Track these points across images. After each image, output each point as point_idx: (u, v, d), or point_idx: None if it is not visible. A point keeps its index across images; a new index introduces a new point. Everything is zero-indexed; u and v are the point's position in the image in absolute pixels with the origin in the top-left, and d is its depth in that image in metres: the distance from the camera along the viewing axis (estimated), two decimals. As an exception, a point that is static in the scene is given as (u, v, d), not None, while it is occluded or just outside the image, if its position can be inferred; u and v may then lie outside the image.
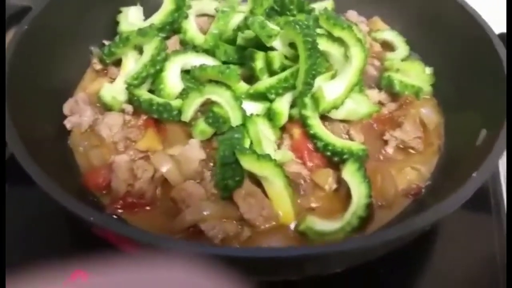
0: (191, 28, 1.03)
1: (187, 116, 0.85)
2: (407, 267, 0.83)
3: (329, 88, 0.85)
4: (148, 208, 0.78)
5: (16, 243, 0.80)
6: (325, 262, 0.61)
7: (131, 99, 0.89)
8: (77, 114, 0.88)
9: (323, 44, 0.88)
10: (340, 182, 0.80)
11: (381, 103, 0.94)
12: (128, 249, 0.63)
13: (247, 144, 0.80)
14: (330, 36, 0.88)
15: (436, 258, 0.86)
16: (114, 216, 0.75)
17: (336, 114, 0.86)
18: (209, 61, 0.93)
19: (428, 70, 0.99)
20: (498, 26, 0.92)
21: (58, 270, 0.32)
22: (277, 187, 0.76)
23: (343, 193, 0.80)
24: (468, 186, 0.66)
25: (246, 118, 0.82)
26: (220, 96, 0.84)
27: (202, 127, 0.84)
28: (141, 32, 0.92)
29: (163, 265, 0.33)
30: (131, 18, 1.06)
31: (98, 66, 1.00)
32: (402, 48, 1.05)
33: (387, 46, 1.08)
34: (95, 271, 0.32)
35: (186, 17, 1.02)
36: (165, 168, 0.78)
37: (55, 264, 0.33)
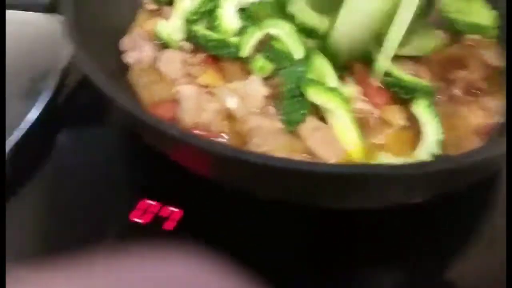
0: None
1: (245, 51, 0.83)
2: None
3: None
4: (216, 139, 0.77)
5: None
6: (409, 183, 0.60)
7: (189, 35, 0.87)
8: (136, 49, 0.87)
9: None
10: (409, 119, 0.78)
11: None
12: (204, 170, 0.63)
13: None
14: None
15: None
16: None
17: (401, 50, 0.83)
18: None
19: (493, 13, 0.95)
20: None
21: (60, 266, 0.31)
22: (344, 121, 0.74)
23: (412, 131, 0.78)
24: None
25: (309, 51, 0.80)
26: (282, 29, 0.81)
27: (262, 63, 0.82)
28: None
29: (169, 260, 0.32)
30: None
31: (151, 6, 0.99)
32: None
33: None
34: (98, 266, 0.31)
35: None
36: (230, 101, 0.77)
37: (56, 262, 0.31)
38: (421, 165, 0.60)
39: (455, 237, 0.77)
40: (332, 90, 0.73)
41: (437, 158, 0.70)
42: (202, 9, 0.85)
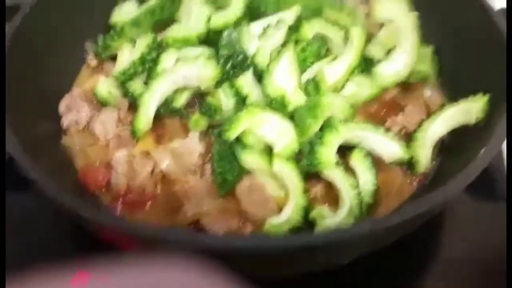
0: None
1: (177, 103, 0.84)
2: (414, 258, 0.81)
3: (330, 71, 0.83)
4: (148, 204, 0.76)
5: (16, 248, 0.78)
6: (335, 251, 0.59)
7: (125, 94, 0.87)
8: (74, 110, 0.86)
9: (323, 28, 0.87)
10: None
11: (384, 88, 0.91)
12: (129, 247, 0.62)
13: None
14: (328, 20, 0.87)
15: (443, 247, 0.84)
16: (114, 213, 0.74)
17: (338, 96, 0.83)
18: (206, 51, 0.90)
19: (429, 49, 0.96)
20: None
21: (60, 272, 0.32)
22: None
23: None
24: (476, 165, 0.64)
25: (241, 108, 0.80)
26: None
27: (196, 118, 0.82)
28: (135, 22, 0.90)
29: (164, 266, 0.33)
30: (125, 11, 1.04)
31: (94, 62, 0.98)
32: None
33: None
34: (97, 272, 0.32)
35: (179, 7, 0.98)
36: (164, 163, 0.77)
37: (57, 266, 0.32)
38: (346, 230, 0.60)
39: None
40: (262, 153, 0.74)
41: (361, 223, 0.69)
42: (132, 71, 0.86)
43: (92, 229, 0.64)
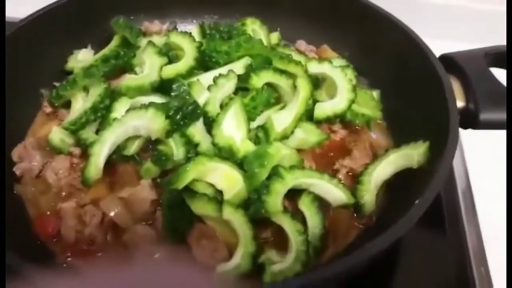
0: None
1: (129, 151, 0.86)
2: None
3: (279, 119, 0.86)
4: (99, 254, 0.76)
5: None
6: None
7: (78, 142, 0.88)
8: (26, 160, 0.86)
9: (272, 77, 0.91)
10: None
11: (332, 131, 0.95)
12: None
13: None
14: (276, 70, 0.91)
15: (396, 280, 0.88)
16: (64, 265, 0.74)
17: (287, 143, 0.86)
18: (158, 99, 0.92)
19: (375, 94, 1.01)
20: (438, 50, 0.96)
21: None
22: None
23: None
24: (412, 213, 0.67)
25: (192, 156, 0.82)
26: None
27: (147, 165, 0.84)
28: (88, 73, 0.92)
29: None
30: (81, 58, 1.06)
31: (49, 109, 0.99)
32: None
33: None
34: None
35: (134, 56, 1.01)
36: (113, 212, 0.77)
37: None
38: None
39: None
40: (212, 200, 0.75)
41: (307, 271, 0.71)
42: (83, 120, 0.87)
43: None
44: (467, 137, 1.12)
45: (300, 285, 0.58)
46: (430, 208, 0.69)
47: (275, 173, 0.78)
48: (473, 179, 1.08)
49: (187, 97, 0.85)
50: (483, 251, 0.94)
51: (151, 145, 0.89)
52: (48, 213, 0.80)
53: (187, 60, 0.95)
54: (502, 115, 0.83)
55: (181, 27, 1.21)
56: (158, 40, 1.07)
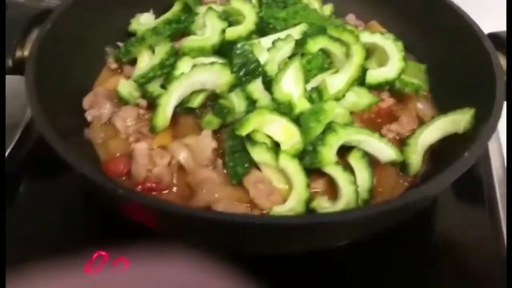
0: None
1: (193, 103, 0.92)
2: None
3: (332, 82, 0.92)
4: (165, 192, 0.83)
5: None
6: (332, 232, 0.67)
7: (144, 94, 0.95)
8: (96, 107, 0.94)
9: (326, 44, 0.96)
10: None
11: (381, 99, 1.00)
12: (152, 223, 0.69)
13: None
14: (331, 37, 0.96)
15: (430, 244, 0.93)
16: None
17: (339, 104, 0.91)
18: (219, 60, 0.98)
19: (422, 66, 1.06)
20: (488, 27, 1.00)
21: (78, 254, 0.34)
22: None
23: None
24: (460, 164, 0.72)
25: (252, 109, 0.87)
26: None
27: (209, 118, 0.90)
28: (156, 31, 0.99)
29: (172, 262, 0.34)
30: (143, 21, 1.13)
31: (114, 65, 1.07)
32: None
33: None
34: (119, 254, 0.34)
35: (193, 22, 1.07)
36: (181, 155, 0.84)
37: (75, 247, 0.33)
38: (340, 214, 0.68)
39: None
40: (270, 149, 0.82)
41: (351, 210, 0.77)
42: (151, 74, 0.93)
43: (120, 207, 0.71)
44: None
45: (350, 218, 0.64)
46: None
47: (329, 127, 0.83)
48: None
49: (250, 55, 0.91)
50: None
51: (209, 102, 0.95)
52: (118, 154, 0.88)
53: (248, 24, 1.01)
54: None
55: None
56: (217, 8, 1.13)
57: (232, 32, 0.99)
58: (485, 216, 0.99)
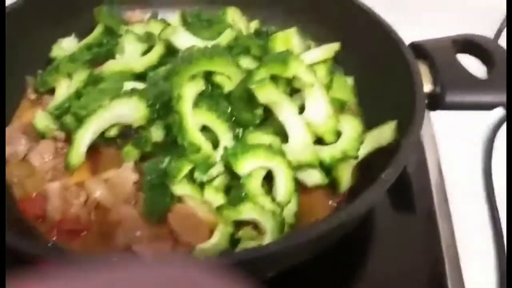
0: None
1: (109, 133, 0.88)
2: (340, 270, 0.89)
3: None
4: (84, 233, 0.80)
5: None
6: (254, 267, 0.65)
7: (61, 127, 0.91)
8: (11, 144, 0.89)
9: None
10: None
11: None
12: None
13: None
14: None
15: (370, 259, 0.92)
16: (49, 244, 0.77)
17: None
18: (140, 85, 0.94)
19: (349, 80, 1.05)
20: (412, 37, 1.00)
21: None
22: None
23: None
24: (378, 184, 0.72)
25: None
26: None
27: (127, 148, 0.87)
28: (72, 57, 0.95)
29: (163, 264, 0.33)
30: (65, 46, 1.09)
31: (33, 96, 1.02)
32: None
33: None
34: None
35: (116, 44, 1.04)
36: (97, 192, 0.81)
37: None
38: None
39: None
40: (194, 183, 0.80)
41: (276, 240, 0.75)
42: (67, 105, 0.89)
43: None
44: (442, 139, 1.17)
45: (272, 251, 0.62)
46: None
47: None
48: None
49: (164, 85, 0.87)
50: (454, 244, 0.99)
51: (133, 131, 0.91)
52: (34, 194, 0.84)
53: (159, 48, 0.98)
54: (465, 98, 0.88)
55: (163, 17, 1.24)
56: (139, 28, 1.10)
57: (142, 61, 0.96)
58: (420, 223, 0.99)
